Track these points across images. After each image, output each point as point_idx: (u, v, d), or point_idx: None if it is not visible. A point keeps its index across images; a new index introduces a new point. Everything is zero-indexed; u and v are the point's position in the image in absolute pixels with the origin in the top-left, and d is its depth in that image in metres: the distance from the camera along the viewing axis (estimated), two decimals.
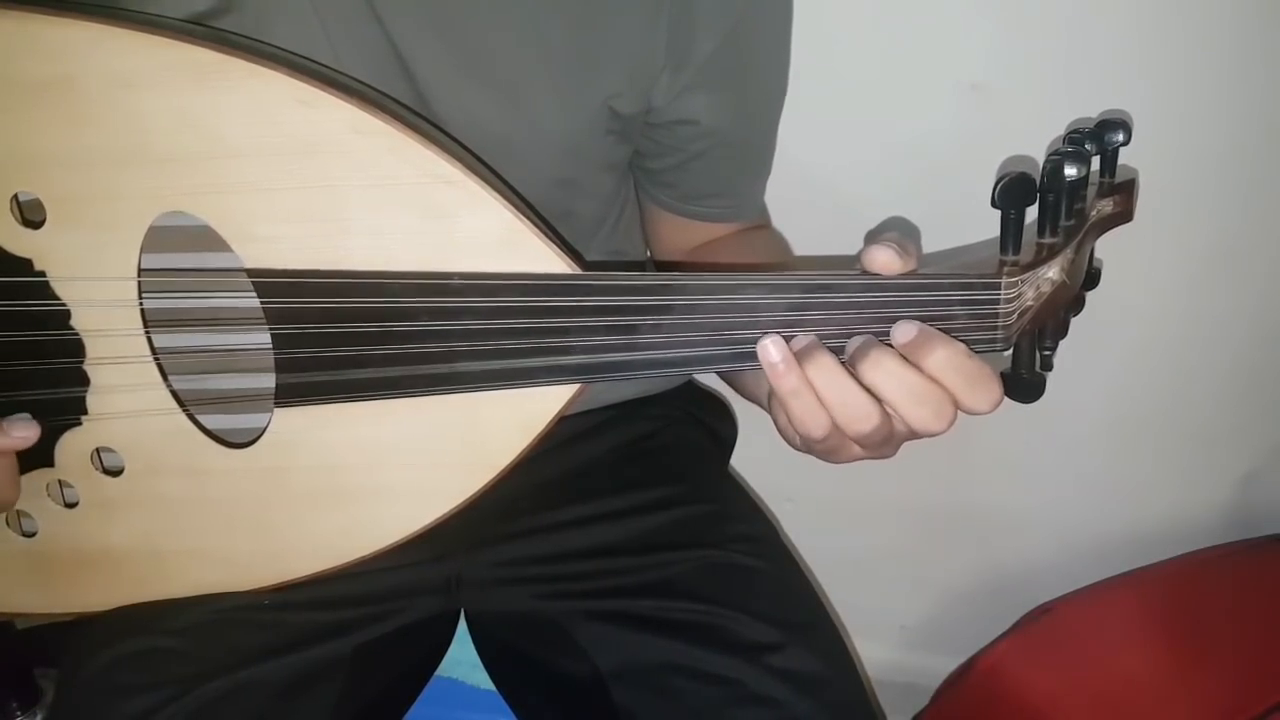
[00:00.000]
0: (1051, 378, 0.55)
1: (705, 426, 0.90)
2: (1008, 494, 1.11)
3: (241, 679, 0.66)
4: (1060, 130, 0.75)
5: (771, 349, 0.50)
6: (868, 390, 0.50)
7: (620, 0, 0.65)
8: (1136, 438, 1.06)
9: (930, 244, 0.91)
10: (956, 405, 0.50)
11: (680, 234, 0.83)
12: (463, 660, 0.82)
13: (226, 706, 0.65)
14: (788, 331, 0.52)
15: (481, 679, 0.81)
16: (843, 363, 0.51)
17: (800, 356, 0.51)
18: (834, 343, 0.51)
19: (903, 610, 1.23)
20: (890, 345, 0.50)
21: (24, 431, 0.58)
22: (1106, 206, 0.55)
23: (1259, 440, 1.04)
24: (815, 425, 0.51)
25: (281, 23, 0.61)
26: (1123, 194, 0.56)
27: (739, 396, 0.74)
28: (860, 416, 0.50)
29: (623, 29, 0.66)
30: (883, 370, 0.49)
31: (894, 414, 0.50)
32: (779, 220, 0.91)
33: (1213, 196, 0.92)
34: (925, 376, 0.49)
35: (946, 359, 0.49)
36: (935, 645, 1.18)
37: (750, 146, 0.80)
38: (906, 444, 0.54)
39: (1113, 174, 0.56)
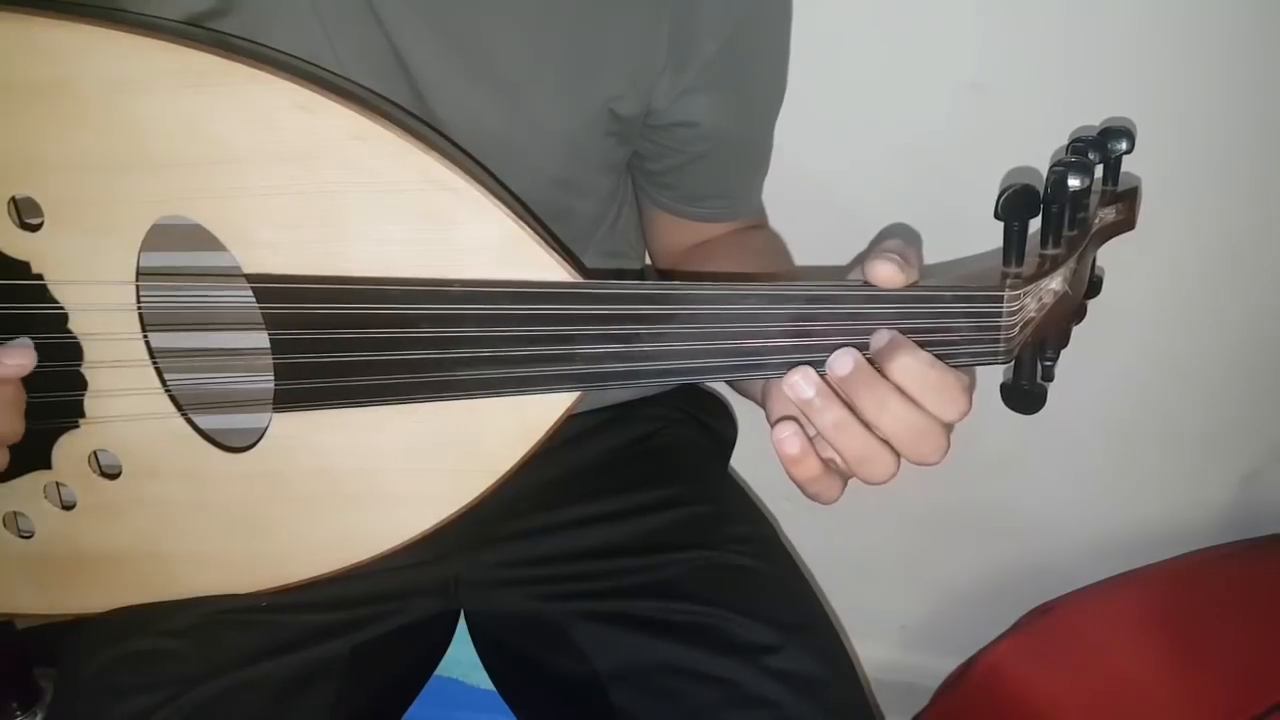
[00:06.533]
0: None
1: (705, 426, 0.89)
2: (1008, 494, 1.10)
3: (240, 679, 0.66)
4: (1060, 129, 0.75)
5: (802, 385, 0.50)
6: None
7: (622, 2, 0.65)
8: (1136, 438, 1.06)
9: (930, 244, 0.91)
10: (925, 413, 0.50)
11: (677, 234, 0.83)
12: (463, 660, 0.82)
13: (225, 707, 0.65)
14: (792, 341, 0.52)
15: (481, 679, 0.81)
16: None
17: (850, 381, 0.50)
18: None
19: (903, 610, 1.23)
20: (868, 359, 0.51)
21: (18, 359, 0.55)
22: (1109, 215, 0.55)
23: (1259, 440, 1.04)
24: (882, 466, 0.52)
25: (281, 23, 0.60)
26: (1126, 202, 0.55)
27: (739, 397, 0.74)
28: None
29: (624, 31, 0.66)
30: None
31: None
32: (778, 221, 0.90)
33: (1213, 197, 0.91)
34: (909, 400, 0.49)
35: (907, 366, 0.49)
36: (935, 645, 1.18)
37: (750, 148, 0.80)
38: None
39: (1116, 182, 0.56)
